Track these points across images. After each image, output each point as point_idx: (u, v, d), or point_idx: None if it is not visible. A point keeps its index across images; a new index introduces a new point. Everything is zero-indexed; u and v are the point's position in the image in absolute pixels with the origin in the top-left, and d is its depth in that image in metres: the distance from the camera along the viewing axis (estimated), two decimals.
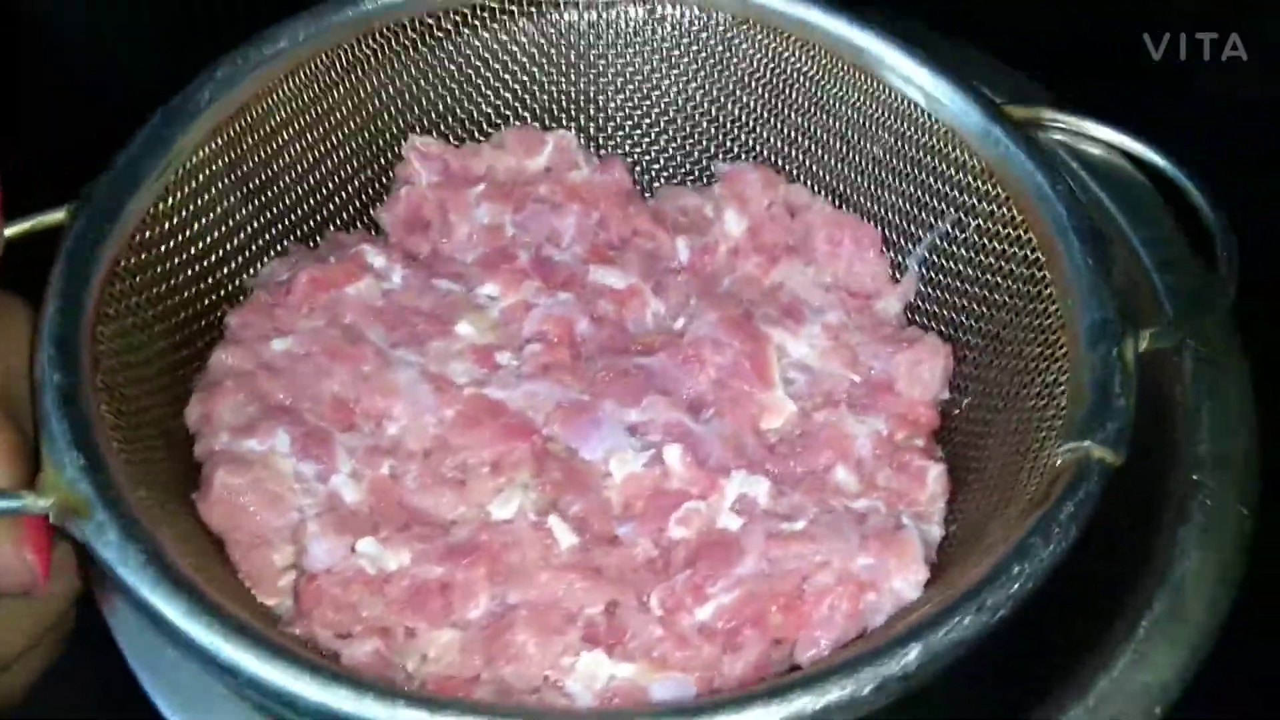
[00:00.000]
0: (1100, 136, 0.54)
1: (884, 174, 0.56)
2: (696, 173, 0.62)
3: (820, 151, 0.58)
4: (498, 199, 0.57)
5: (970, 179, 0.53)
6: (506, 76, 0.59)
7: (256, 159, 0.53)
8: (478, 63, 0.58)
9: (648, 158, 0.62)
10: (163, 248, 0.49)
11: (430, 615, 0.43)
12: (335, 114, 0.55)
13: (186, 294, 0.50)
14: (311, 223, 0.56)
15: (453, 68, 0.58)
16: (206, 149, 0.50)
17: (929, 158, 0.55)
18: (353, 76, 0.55)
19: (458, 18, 0.56)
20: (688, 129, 0.61)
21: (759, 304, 0.55)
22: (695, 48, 0.59)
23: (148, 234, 0.48)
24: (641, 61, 0.59)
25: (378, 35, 0.55)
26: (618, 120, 0.61)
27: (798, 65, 0.57)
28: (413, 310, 0.53)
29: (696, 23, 0.58)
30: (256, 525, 0.45)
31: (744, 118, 0.60)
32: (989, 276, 0.53)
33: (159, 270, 0.48)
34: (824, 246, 0.57)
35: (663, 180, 0.62)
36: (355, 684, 0.36)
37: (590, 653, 0.43)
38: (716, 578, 0.45)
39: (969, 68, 0.55)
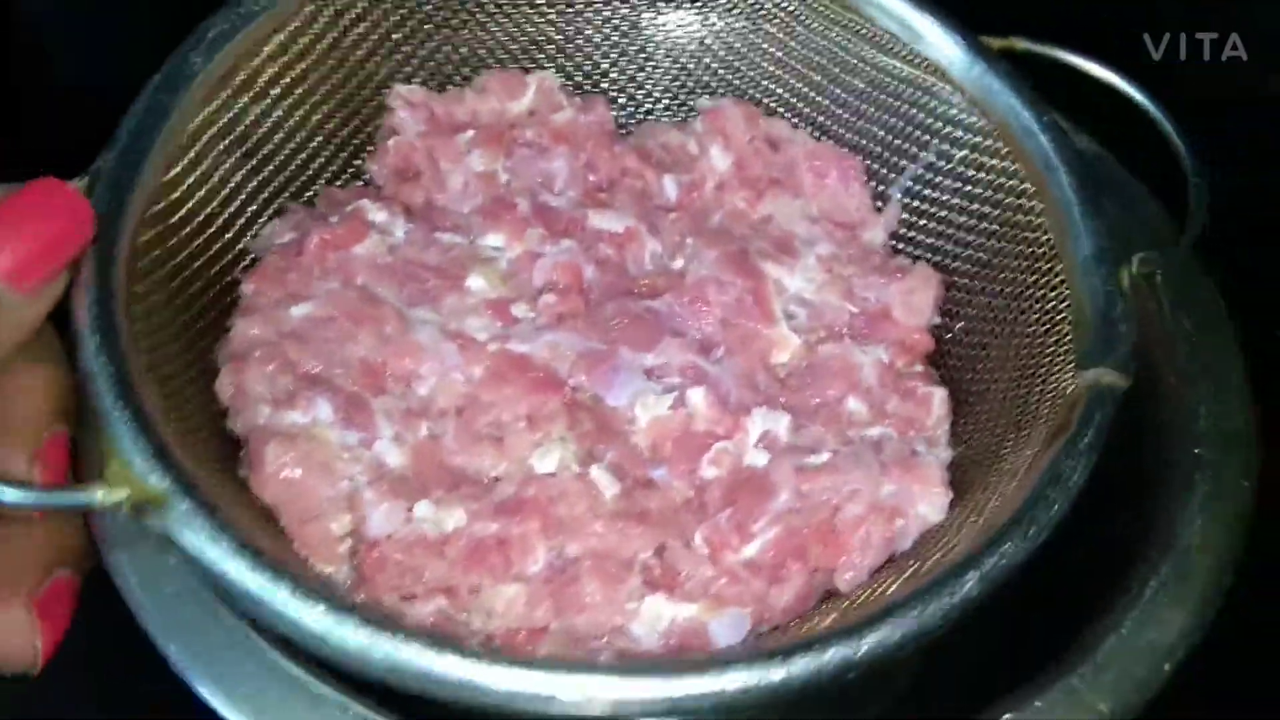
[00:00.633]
0: (1070, 62, 0.56)
1: (866, 105, 0.58)
2: (674, 109, 0.62)
3: (800, 85, 0.59)
4: (488, 145, 0.57)
5: (954, 111, 0.55)
6: (485, 19, 0.58)
7: (250, 119, 0.52)
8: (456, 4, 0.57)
9: (623, 97, 0.62)
10: (173, 219, 0.48)
11: (493, 571, 0.45)
12: (321, 67, 0.54)
13: (198, 263, 0.49)
14: (302, 179, 0.55)
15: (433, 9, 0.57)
16: (203, 113, 0.49)
17: (911, 89, 0.56)
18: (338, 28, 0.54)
19: None
20: (666, 65, 0.61)
21: (751, 239, 0.57)
22: None
23: (158, 206, 0.47)
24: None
25: None
26: (595, 60, 0.61)
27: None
28: (420, 265, 0.53)
29: None
30: (311, 496, 0.45)
31: (723, 53, 0.60)
32: (977, 206, 0.55)
33: (173, 243, 0.48)
34: (809, 178, 0.59)
35: (640, 117, 0.62)
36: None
37: (652, 596, 0.45)
38: (757, 515, 0.47)
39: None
